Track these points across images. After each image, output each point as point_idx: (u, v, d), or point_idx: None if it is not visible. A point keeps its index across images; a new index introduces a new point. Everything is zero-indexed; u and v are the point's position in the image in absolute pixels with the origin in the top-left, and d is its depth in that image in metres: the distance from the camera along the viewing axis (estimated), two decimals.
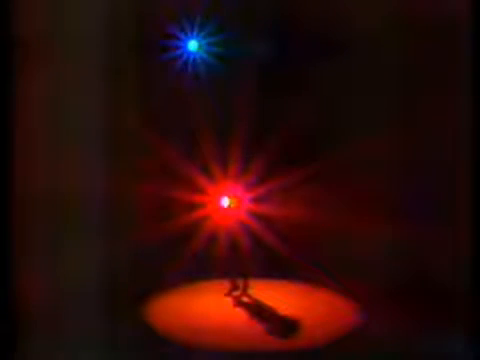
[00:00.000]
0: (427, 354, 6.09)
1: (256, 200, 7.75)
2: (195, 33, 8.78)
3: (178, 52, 8.83)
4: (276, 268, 8.64)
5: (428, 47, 7.89)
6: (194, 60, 8.97)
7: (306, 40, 8.64)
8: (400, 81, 8.25)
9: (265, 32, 8.91)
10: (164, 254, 8.20)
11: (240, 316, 7.26)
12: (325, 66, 8.68)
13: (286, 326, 6.95)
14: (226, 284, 7.96)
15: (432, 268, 7.81)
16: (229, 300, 7.80)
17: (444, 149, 8.03)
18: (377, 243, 8.23)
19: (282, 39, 8.90)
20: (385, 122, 8.40)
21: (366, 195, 8.69)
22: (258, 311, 7.42)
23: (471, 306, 5.62)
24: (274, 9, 8.55)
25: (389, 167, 8.55)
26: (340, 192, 8.88)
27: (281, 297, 7.84)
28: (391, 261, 8.04)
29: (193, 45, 8.89)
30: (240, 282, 7.96)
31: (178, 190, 8.08)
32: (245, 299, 7.84)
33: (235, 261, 7.85)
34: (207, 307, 7.50)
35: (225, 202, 7.80)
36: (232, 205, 7.76)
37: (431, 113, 8.10)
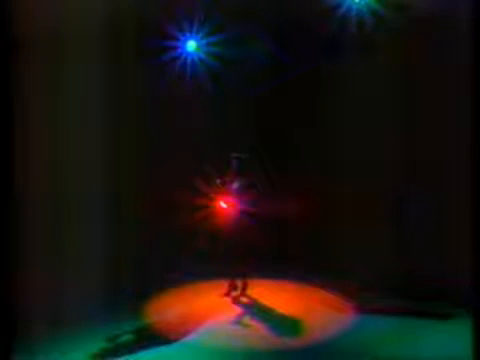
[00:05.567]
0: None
1: (252, 201, 7.74)
2: (193, 33, 8.78)
3: (176, 53, 8.84)
4: (275, 268, 8.67)
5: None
6: (192, 60, 8.97)
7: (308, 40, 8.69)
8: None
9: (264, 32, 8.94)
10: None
11: (239, 316, 7.25)
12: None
13: (284, 326, 6.94)
14: (225, 284, 7.96)
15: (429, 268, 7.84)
16: (228, 300, 7.79)
17: (444, 149, 8.07)
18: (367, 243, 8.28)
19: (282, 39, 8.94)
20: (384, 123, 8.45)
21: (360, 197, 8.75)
22: (256, 311, 7.41)
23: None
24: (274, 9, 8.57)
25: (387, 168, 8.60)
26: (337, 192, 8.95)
27: (279, 297, 7.84)
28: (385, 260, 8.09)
29: (191, 45, 8.89)
30: (239, 282, 7.96)
31: (180, 191, 8.08)
32: (244, 299, 7.83)
33: (234, 261, 7.85)
34: (206, 307, 7.48)
35: (223, 203, 7.79)
36: (229, 206, 7.75)
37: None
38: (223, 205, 7.77)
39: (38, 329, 6.41)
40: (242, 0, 8.51)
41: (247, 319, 7.13)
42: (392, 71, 8.29)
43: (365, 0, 8.02)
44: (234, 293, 7.94)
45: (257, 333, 6.71)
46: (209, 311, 7.33)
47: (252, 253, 7.80)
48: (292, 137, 9.32)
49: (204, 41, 8.82)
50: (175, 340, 6.45)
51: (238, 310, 7.47)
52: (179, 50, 8.84)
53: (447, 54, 7.83)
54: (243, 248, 7.72)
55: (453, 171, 7.66)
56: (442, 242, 7.84)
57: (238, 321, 7.07)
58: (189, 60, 8.94)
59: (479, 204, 5.63)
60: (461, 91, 6.52)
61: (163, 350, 6.22)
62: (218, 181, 7.76)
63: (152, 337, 6.53)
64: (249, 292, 7.93)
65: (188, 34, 8.77)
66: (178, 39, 8.78)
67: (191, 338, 6.53)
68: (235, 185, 7.81)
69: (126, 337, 6.50)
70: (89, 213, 8.03)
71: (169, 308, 7.42)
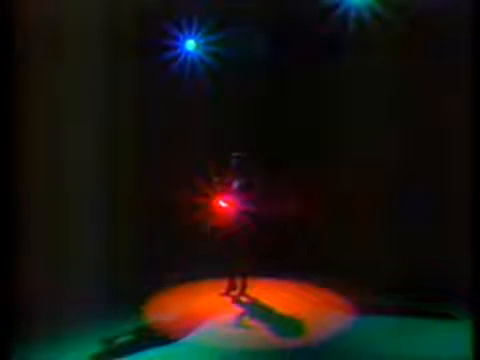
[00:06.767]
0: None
1: (252, 201, 7.73)
2: (193, 32, 8.77)
3: (176, 52, 8.83)
4: (275, 268, 8.67)
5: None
6: (191, 60, 8.97)
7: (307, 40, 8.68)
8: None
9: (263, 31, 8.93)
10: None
11: (238, 316, 7.24)
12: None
13: (284, 325, 6.93)
14: (225, 284, 7.95)
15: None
16: (228, 300, 7.78)
17: (445, 149, 8.08)
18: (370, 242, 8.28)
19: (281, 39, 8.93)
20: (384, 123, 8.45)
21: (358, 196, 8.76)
22: (256, 310, 7.40)
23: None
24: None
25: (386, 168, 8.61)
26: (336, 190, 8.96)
27: (279, 297, 7.84)
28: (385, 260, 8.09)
29: (191, 45, 8.89)
30: (238, 282, 7.95)
31: (179, 191, 8.07)
32: (243, 299, 7.83)
33: (234, 260, 7.84)
34: (206, 307, 7.47)
35: (222, 203, 7.78)
36: (229, 205, 7.74)
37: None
38: (223, 204, 7.75)
39: (38, 329, 6.41)
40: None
41: (247, 319, 7.12)
42: (392, 71, 8.29)
43: (365, 0, 8.03)
44: (233, 293, 7.94)
45: (257, 333, 6.70)
46: (209, 311, 7.32)
47: (252, 253, 7.80)
48: (292, 136, 9.33)
49: (203, 40, 8.81)
50: (175, 340, 6.43)
51: (238, 310, 7.46)
52: (178, 49, 8.84)
53: (447, 54, 7.84)
54: (243, 248, 7.72)
55: (453, 171, 7.68)
56: (442, 242, 7.85)
57: (238, 321, 7.06)
58: (188, 59, 8.94)
59: (479, 204, 5.64)
60: (462, 91, 6.52)
61: (163, 350, 6.20)
62: (216, 180, 7.74)
63: (152, 337, 6.52)
64: (248, 292, 7.93)
65: (187, 33, 8.76)
66: (177, 38, 8.77)
67: (191, 338, 6.51)
68: (235, 185, 7.79)
69: (126, 337, 6.48)
70: (88, 213, 8.03)
71: (169, 308, 7.41)
